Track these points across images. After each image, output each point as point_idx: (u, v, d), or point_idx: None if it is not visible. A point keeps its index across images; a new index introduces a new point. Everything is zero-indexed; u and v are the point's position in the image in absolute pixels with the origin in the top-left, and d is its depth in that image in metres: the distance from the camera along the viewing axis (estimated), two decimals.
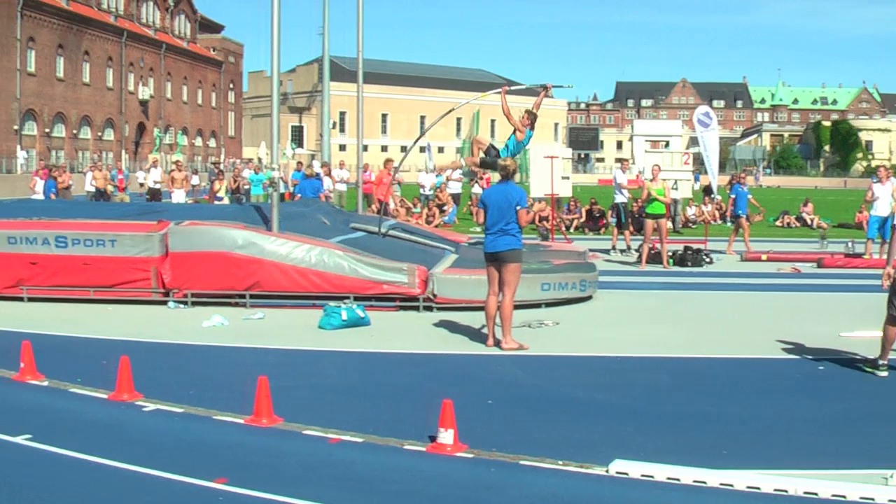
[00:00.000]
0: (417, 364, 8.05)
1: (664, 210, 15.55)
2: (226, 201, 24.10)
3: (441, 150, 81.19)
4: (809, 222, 26.33)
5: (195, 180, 36.76)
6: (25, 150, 50.81)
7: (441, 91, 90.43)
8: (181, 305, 10.68)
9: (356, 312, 9.46)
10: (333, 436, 5.66)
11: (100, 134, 59.70)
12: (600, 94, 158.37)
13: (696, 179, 33.44)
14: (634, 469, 4.97)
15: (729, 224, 22.41)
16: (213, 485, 4.75)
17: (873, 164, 76.17)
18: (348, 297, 10.10)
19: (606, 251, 17.83)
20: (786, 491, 4.69)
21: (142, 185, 29.21)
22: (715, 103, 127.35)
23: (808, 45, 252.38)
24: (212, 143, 77.62)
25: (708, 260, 15.87)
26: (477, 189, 25.95)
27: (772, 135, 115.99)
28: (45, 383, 6.92)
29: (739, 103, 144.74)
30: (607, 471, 5.00)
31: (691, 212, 25.57)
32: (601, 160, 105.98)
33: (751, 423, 6.18)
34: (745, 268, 15.64)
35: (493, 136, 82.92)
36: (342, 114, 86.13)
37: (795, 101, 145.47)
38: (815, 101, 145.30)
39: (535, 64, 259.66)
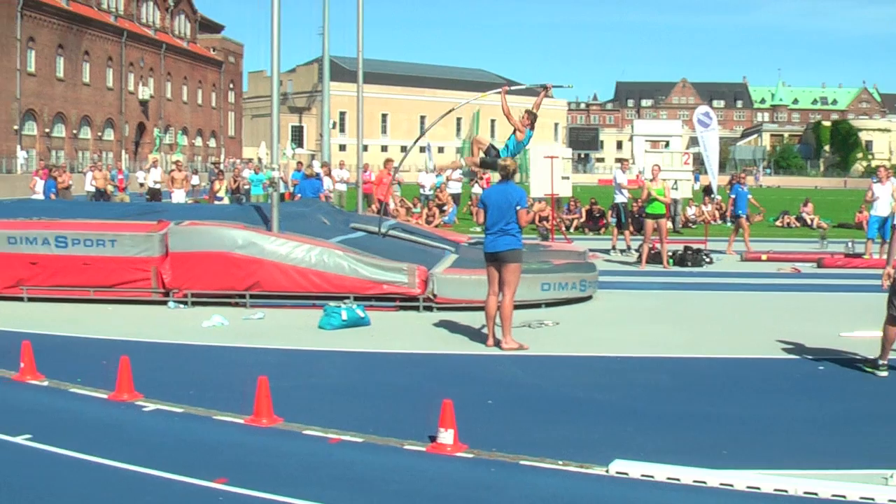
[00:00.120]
0: (417, 364, 8.05)
1: (664, 210, 15.55)
2: (226, 201, 24.10)
3: (441, 150, 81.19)
4: (809, 222, 26.31)
5: (195, 180, 36.76)
6: (25, 150, 50.81)
7: (441, 91, 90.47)
8: (181, 305, 10.68)
9: (356, 312, 9.46)
10: (333, 436, 5.66)
11: (100, 134, 59.70)
12: (600, 94, 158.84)
13: (696, 179, 33.43)
14: (634, 469, 4.97)
15: (729, 224, 22.40)
16: (213, 485, 4.75)
17: (873, 164, 76.17)
18: (348, 297, 10.10)
19: (606, 251, 17.83)
20: (786, 491, 4.69)
21: (142, 185, 29.22)
22: (715, 103, 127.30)
23: (808, 45, 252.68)
24: (212, 143, 77.63)
25: (708, 260, 15.87)
26: (477, 189, 25.94)
27: (772, 135, 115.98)
28: (45, 383, 6.92)
29: (739, 103, 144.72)
30: (607, 471, 5.00)
31: (691, 212, 25.56)
32: (601, 160, 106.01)
33: (751, 423, 6.18)
34: (745, 268, 15.64)
35: (493, 136, 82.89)
36: (342, 114, 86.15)
37: (795, 101, 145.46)
38: (815, 101, 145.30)
39: (535, 64, 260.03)
